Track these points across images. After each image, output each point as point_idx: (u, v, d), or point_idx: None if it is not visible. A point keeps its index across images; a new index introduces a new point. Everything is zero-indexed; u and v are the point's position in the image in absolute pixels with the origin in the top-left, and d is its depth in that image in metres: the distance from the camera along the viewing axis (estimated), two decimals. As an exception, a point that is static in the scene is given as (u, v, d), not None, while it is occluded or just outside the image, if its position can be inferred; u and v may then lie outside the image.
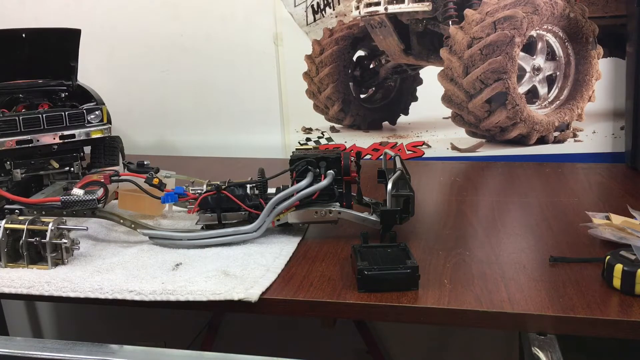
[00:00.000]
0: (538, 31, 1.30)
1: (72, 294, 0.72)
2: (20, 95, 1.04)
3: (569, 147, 1.35)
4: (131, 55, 1.51)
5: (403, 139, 1.42)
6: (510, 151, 1.37)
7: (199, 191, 0.89)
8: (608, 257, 0.69)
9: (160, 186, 0.90)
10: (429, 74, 1.38)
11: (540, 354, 0.61)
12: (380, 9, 1.36)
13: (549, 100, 1.35)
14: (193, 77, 1.49)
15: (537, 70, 1.33)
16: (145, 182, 0.90)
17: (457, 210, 1.00)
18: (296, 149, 0.92)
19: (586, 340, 0.69)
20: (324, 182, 0.83)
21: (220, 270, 0.75)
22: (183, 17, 1.46)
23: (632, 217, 0.87)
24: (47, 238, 0.78)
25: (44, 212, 0.86)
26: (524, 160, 1.35)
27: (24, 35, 1.03)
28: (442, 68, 1.36)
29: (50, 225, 0.78)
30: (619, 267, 0.66)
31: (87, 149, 1.08)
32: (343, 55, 1.41)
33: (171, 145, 1.55)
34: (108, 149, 1.08)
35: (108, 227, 0.94)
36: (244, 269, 0.76)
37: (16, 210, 0.87)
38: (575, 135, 1.35)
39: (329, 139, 1.46)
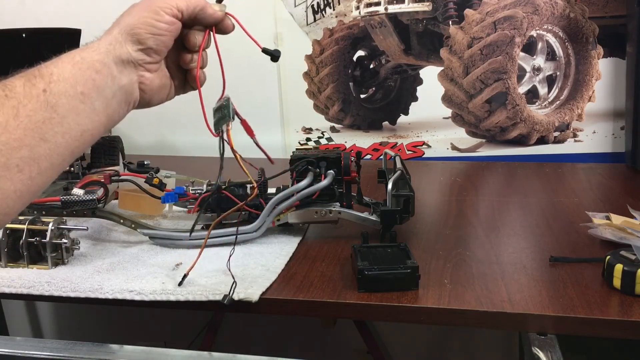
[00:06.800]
0: (538, 31, 1.30)
1: (72, 294, 0.72)
2: (21, 95, 1.04)
3: (569, 147, 1.35)
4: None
5: (403, 139, 1.42)
6: (510, 151, 1.37)
7: (199, 191, 0.89)
8: (608, 257, 0.69)
9: (161, 186, 0.90)
10: (429, 74, 1.38)
11: (540, 354, 0.61)
12: (381, 9, 1.36)
13: (549, 100, 1.35)
14: (193, 77, 1.49)
15: (537, 70, 1.33)
16: (145, 182, 0.90)
17: (457, 210, 1.00)
18: (296, 149, 0.92)
19: (586, 340, 0.69)
20: (324, 182, 0.83)
21: (220, 270, 0.75)
22: (183, 17, 1.46)
23: (632, 217, 0.87)
24: (47, 238, 0.78)
25: (44, 212, 0.86)
26: (524, 160, 1.35)
27: (24, 35, 1.03)
28: (442, 68, 1.36)
29: (51, 225, 0.78)
30: (619, 267, 0.66)
31: (87, 149, 1.08)
32: (343, 55, 1.40)
33: (171, 145, 1.55)
34: (108, 149, 1.08)
35: (108, 227, 0.94)
36: (244, 269, 0.76)
37: (16, 210, 0.87)
38: (575, 135, 1.35)
39: (329, 139, 1.46)
